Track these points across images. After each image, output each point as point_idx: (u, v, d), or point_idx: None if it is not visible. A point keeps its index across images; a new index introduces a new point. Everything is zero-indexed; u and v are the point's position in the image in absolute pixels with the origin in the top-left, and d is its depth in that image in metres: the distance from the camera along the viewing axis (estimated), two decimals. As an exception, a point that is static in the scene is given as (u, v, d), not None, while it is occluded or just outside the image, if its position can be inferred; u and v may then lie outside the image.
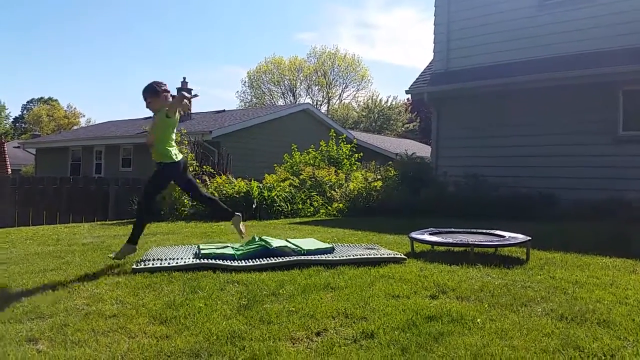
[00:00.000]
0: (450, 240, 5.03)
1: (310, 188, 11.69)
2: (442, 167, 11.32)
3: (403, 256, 4.76)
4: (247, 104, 49.37)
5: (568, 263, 4.63)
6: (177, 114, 4.85)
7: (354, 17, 76.72)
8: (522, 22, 10.48)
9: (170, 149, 4.77)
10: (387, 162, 13.14)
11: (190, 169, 11.73)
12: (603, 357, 2.45)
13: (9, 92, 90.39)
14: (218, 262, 4.40)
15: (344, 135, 16.45)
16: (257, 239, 5.26)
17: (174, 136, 4.86)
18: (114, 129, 23.91)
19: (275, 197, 10.42)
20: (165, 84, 4.87)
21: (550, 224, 7.75)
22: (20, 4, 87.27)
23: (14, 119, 66.50)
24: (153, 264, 4.35)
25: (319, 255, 4.68)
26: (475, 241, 4.88)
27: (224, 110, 25.24)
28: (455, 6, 11.61)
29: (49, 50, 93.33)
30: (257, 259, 4.54)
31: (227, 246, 5.08)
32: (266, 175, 12.43)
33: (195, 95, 4.69)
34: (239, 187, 10.43)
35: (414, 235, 5.28)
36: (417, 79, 12.46)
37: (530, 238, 4.91)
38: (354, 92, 51.52)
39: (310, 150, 15.03)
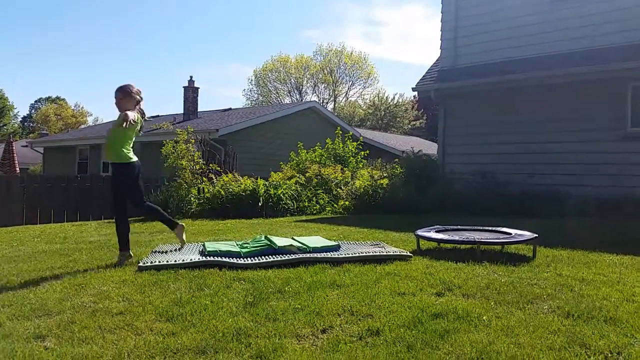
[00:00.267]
0: (457, 238, 5.01)
1: (317, 186, 11.69)
2: (449, 165, 11.29)
3: (409, 254, 4.75)
4: (254, 102, 49.41)
5: (575, 260, 4.61)
6: (138, 124, 4.77)
7: (361, 14, 76.59)
8: (531, 18, 10.41)
9: (126, 150, 4.72)
10: (394, 160, 13.13)
11: (197, 167, 11.78)
12: (609, 355, 2.44)
13: (17, 92, 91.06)
14: (224, 259, 4.41)
15: (350, 133, 16.40)
16: (263, 237, 5.28)
17: (131, 142, 4.80)
18: (121, 127, 23.99)
19: (281, 195, 10.43)
20: (137, 90, 4.84)
21: (557, 220, 7.71)
22: (28, 3, 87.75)
23: (22, 118, 66.98)
24: (159, 262, 4.37)
25: (324, 253, 4.68)
26: (482, 239, 4.87)
27: (230, 109, 25.28)
28: (462, 2, 11.55)
29: (57, 50, 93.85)
30: (262, 257, 4.56)
31: (233, 244, 5.10)
32: (272, 173, 12.46)
33: (135, 124, 4.55)
34: (245, 185, 10.44)
35: (420, 232, 5.27)
36: (424, 76, 12.41)
37: (536, 235, 4.89)
38: (361, 90, 51.45)
39: (316, 148, 15.02)
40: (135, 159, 4.80)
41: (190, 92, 22.72)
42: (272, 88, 49.87)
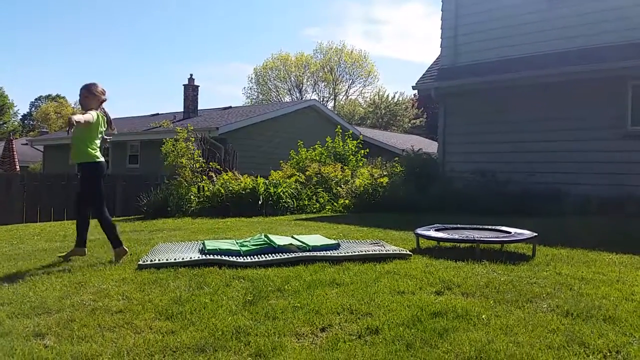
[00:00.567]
0: (456, 237, 5.02)
1: (316, 184, 11.70)
2: (449, 163, 11.28)
3: (408, 252, 4.76)
4: (254, 100, 49.38)
5: (574, 259, 4.61)
6: (100, 124, 4.77)
7: (362, 12, 76.50)
8: (531, 17, 10.40)
9: (92, 150, 4.69)
10: (394, 158, 13.12)
11: (197, 165, 11.78)
12: (608, 354, 2.44)
13: (17, 90, 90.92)
14: (224, 258, 4.42)
15: (350, 132, 16.40)
16: (262, 236, 5.28)
17: (97, 142, 4.77)
18: (121, 125, 23.95)
19: (281, 194, 10.43)
20: (101, 90, 4.87)
21: (557, 219, 7.72)
22: (28, 1, 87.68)
23: (22, 116, 66.96)
24: (159, 260, 4.38)
25: (324, 252, 4.69)
26: (481, 237, 4.87)
27: (230, 107, 25.26)
28: (463, 0, 11.54)
29: (57, 48, 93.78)
30: (262, 255, 4.56)
31: (233, 242, 5.10)
32: (272, 171, 12.46)
33: (95, 124, 4.60)
34: (245, 183, 10.45)
35: (419, 231, 5.27)
36: (424, 74, 12.41)
37: (536, 234, 4.89)
38: (361, 88, 51.42)
39: (316, 146, 15.02)
40: (102, 158, 4.77)
41: (190, 90, 22.72)
42: (272, 86, 49.85)
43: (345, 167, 13.12)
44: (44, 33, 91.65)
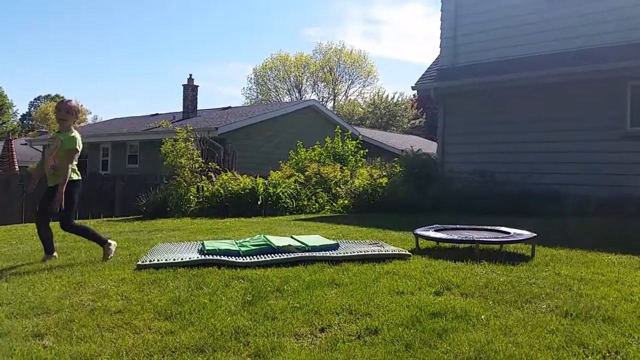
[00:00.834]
0: (456, 237, 5.02)
1: (316, 184, 11.69)
2: (448, 164, 11.29)
3: (408, 253, 4.76)
4: (253, 100, 49.37)
5: (573, 260, 4.61)
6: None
7: (361, 13, 76.52)
8: (530, 17, 10.40)
9: (73, 169, 4.71)
10: (393, 159, 13.12)
11: (196, 165, 11.78)
12: (607, 354, 2.44)
13: (16, 90, 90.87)
14: (223, 258, 4.42)
15: (350, 132, 16.41)
16: (261, 237, 5.28)
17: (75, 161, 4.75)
18: (120, 125, 24.01)
19: (280, 194, 10.43)
20: (79, 108, 4.92)
21: (556, 220, 7.72)
22: (27, 1, 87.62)
23: (21, 116, 66.88)
24: (158, 260, 4.37)
25: (323, 252, 4.68)
26: (481, 238, 4.87)
27: (229, 107, 25.26)
28: (462, 1, 11.53)
29: (56, 47, 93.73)
30: (261, 255, 4.56)
31: (232, 243, 5.10)
32: (271, 171, 12.46)
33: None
34: (245, 183, 10.45)
35: (418, 231, 5.27)
36: (423, 74, 12.41)
37: (535, 235, 4.90)
38: (360, 89, 51.43)
39: (315, 146, 15.03)
40: (79, 176, 4.82)
41: (190, 91, 22.72)
42: (271, 86, 49.85)
43: (344, 168, 13.12)
44: (44, 33, 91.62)
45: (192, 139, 12.53)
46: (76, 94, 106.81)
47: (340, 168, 12.74)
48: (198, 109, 23.37)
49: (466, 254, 4.73)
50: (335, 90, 50.12)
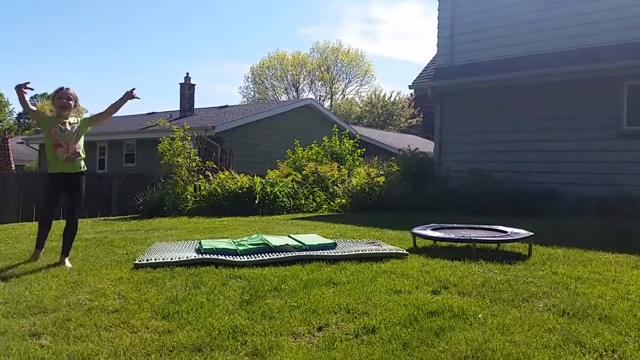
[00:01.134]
0: (453, 236, 5.03)
1: (313, 183, 11.69)
2: (445, 163, 11.30)
3: (405, 252, 4.76)
4: (250, 99, 49.30)
5: (570, 259, 4.62)
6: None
7: (358, 12, 76.44)
8: (528, 16, 10.41)
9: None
10: (390, 158, 13.14)
11: (193, 164, 11.76)
12: (604, 353, 2.45)
13: (12, 88, 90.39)
14: (220, 257, 4.41)
15: (347, 131, 16.42)
16: (259, 236, 5.28)
17: None
18: (117, 124, 23.93)
19: (277, 193, 10.42)
20: None
21: (553, 219, 7.74)
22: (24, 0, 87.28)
23: (17, 114, 66.65)
24: (155, 259, 4.37)
25: (321, 251, 4.69)
26: (478, 237, 4.88)
27: (226, 106, 25.21)
28: (459, 0, 11.55)
29: (53, 46, 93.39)
30: (259, 254, 4.56)
31: (230, 242, 5.09)
32: (269, 170, 12.44)
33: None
34: (242, 182, 10.44)
35: (416, 230, 5.28)
36: (420, 73, 12.41)
37: (532, 234, 4.91)
38: (357, 87, 51.39)
39: (313, 145, 15.02)
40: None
41: (187, 89, 22.66)
42: (268, 85, 49.78)
43: (341, 167, 13.12)
44: (40, 31, 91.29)
45: (189, 138, 12.51)
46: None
47: (338, 167, 12.74)
48: (195, 107, 23.31)
49: (463, 253, 4.74)
50: (333, 89, 50.10)
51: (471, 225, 5.65)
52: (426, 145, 21.87)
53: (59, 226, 5.14)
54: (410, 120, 44.69)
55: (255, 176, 10.82)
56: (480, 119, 10.93)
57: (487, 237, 4.95)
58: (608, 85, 9.36)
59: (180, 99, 22.77)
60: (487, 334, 2.67)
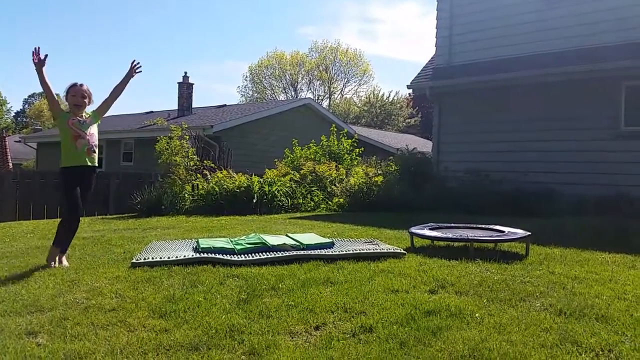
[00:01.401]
0: (450, 236, 5.03)
1: (311, 183, 11.69)
2: (443, 162, 11.31)
3: (402, 251, 4.77)
4: (249, 98, 49.25)
5: (567, 258, 4.63)
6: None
7: (357, 11, 76.46)
8: (527, 17, 10.42)
9: None
10: (388, 157, 13.13)
11: (191, 163, 11.75)
12: (601, 352, 2.45)
13: (10, 86, 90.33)
14: (218, 256, 4.41)
15: (345, 130, 16.41)
16: (257, 235, 5.28)
17: None
18: (114, 123, 23.89)
19: (275, 192, 10.42)
20: None
21: (551, 219, 7.75)
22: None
23: (15, 113, 66.55)
24: (153, 258, 4.36)
25: (318, 250, 4.69)
26: (475, 236, 4.89)
27: (225, 105, 25.19)
28: (458, 0, 11.56)
29: (50, 44, 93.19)
30: (256, 254, 4.55)
31: (227, 241, 5.09)
32: (267, 170, 12.43)
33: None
34: (240, 181, 10.43)
35: (413, 230, 5.28)
36: (419, 73, 12.42)
37: (529, 233, 4.91)
38: (356, 87, 51.37)
39: (311, 145, 15.01)
40: None
41: (185, 88, 22.64)
42: (267, 85, 49.74)
43: (339, 166, 13.12)
44: (38, 30, 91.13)
45: (187, 137, 12.50)
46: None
47: (336, 166, 12.74)
48: (193, 106, 23.29)
49: (461, 253, 4.74)
50: (331, 89, 50.09)
51: (469, 225, 5.66)
52: (424, 145, 21.87)
53: (56, 224, 5.12)
54: (409, 120, 44.71)
55: (253, 175, 10.81)
56: (478, 119, 10.94)
57: (485, 236, 4.95)
58: (606, 86, 9.37)
59: (179, 98, 22.75)
60: (484, 334, 2.68)
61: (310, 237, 5.19)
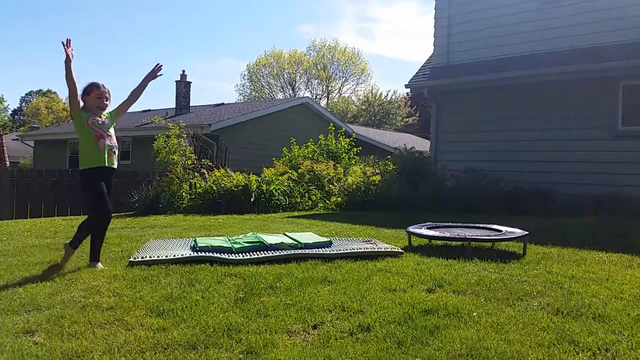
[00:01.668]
0: (448, 235, 5.04)
1: (309, 182, 11.68)
2: (441, 162, 11.31)
3: (400, 250, 4.77)
4: (247, 97, 49.18)
5: (565, 258, 4.64)
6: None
7: (355, 10, 76.46)
8: (525, 16, 10.43)
9: None
10: (386, 157, 13.13)
11: (189, 162, 11.73)
12: (598, 351, 2.46)
13: (7, 84, 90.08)
14: (216, 255, 4.41)
15: (343, 129, 16.39)
16: (254, 234, 5.28)
17: None
18: (112, 121, 23.89)
19: (273, 191, 10.41)
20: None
21: (548, 218, 7.76)
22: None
23: (12, 111, 66.36)
24: (150, 257, 4.36)
25: (316, 249, 4.69)
26: (473, 235, 4.90)
27: (223, 104, 25.16)
28: None
29: (48, 42, 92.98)
30: (254, 252, 4.55)
31: (225, 239, 5.09)
32: (265, 168, 12.43)
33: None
34: (238, 180, 10.42)
35: (411, 229, 5.29)
36: (417, 73, 12.42)
37: (527, 233, 4.92)
38: (354, 86, 51.34)
39: (309, 144, 15.00)
40: None
41: (183, 87, 22.60)
42: (265, 83, 49.68)
43: (337, 165, 13.12)
44: (36, 28, 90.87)
45: (185, 136, 12.48)
46: (66, 90, 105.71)
47: (334, 165, 12.74)
48: (191, 105, 23.25)
49: (458, 252, 4.75)
50: (329, 88, 50.07)
51: (466, 224, 5.66)
52: (422, 144, 21.87)
53: (53, 223, 5.11)
54: (407, 119, 44.70)
55: (251, 174, 10.81)
56: (476, 118, 10.95)
57: (482, 236, 4.96)
58: (604, 86, 9.39)
59: (176, 96, 22.71)
60: (482, 333, 2.68)
61: (308, 236, 5.20)
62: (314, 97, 47.34)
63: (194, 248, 4.71)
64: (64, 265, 4.25)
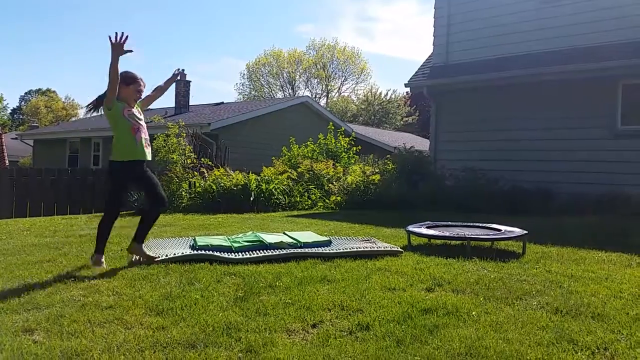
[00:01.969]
0: (447, 234, 5.04)
1: (308, 181, 11.69)
2: (441, 161, 11.32)
3: (399, 249, 4.77)
4: (246, 96, 49.13)
5: (564, 257, 4.64)
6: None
7: (355, 10, 76.43)
8: (524, 15, 10.43)
9: None
10: (386, 156, 13.13)
11: (188, 161, 11.73)
12: (597, 350, 2.46)
13: (6, 83, 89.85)
14: (215, 253, 4.41)
15: (343, 129, 16.39)
16: (254, 233, 5.28)
17: None
18: (112, 120, 23.88)
19: (273, 190, 10.41)
20: None
21: (548, 218, 7.77)
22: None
23: (11, 110, 66.26)
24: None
25: (315, 248, 4.69)
26: (472, 235, 4.90)
27: (222, 103, 25.15)
28: (455, -1, 11.57)
29: (48, 41, 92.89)
30: (254, 251, 4.55)
31: (224, 238, 5.09)
32: (264, 167, 12.42)
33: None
34: (237, 179, 10.42)
35: (410, 228, 5.29)
36: (416, 72, 12.42)
37: (526, 232, 4.92)
38: (353, 85, 51.33)
39: (308, 143, 15.00)
40: None
41: (182, 86, 22.58)
42: (264, 82, 49.65)
43: (337, 164, 13.11)
44: (36, 27, 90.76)
45: (184, 135, 12.49)
46: (67, 89, 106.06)
47: (333, 165, 12.74)
48: (190, 104, 23.23)
49: (458, 251, 4.75)
50: (329, 87, 50.05)
51: (466, 223, 5.67)
52: (422, 144, 21.86)
53: (53, 222, 5.11)
54: (406, 119, 44.70)
55: (250, 173, 10.80)
56: (475, 117, 10.95)
57: (482, 235, 4.96)
58: (603, 85, 9.39)
59: (176, 95, 22.69)
60: (481, 332, 2.68)
61: (307, 235, 5.20)
62: (314, 96, 47.32)
63: (193, 247, 4.71)
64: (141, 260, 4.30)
